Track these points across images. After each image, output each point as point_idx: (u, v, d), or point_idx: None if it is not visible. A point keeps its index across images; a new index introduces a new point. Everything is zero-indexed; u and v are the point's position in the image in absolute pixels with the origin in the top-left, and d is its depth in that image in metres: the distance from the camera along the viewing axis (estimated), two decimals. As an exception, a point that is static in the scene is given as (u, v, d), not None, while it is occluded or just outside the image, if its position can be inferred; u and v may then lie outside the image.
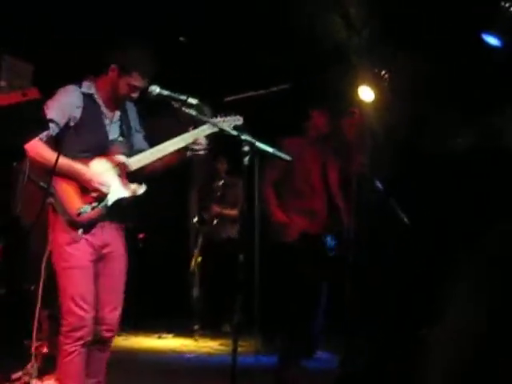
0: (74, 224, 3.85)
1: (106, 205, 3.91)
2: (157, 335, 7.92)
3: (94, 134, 4.00)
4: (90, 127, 3.98)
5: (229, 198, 8.38)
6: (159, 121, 4.53)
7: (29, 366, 4.67)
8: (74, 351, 3.86)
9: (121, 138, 4.12)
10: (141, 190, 4.06)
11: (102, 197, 3.91)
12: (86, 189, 3.89)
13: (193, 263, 8.08)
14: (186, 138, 3.98)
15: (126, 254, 4.15)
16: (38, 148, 3.78)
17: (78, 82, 4.04)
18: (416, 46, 6.54)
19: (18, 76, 6.32)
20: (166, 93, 3.45)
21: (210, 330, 8.09)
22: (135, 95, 4.00)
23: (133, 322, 7.93)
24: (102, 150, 4.01)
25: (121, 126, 4.15)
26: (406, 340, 4.37)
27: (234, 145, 3.47)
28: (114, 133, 4.11)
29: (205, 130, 3.97)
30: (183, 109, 3.40)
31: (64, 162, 3.81)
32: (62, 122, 3.88)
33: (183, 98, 3.41)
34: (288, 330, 5.52)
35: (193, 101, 3.40)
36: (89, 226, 3.90)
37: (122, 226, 4.14)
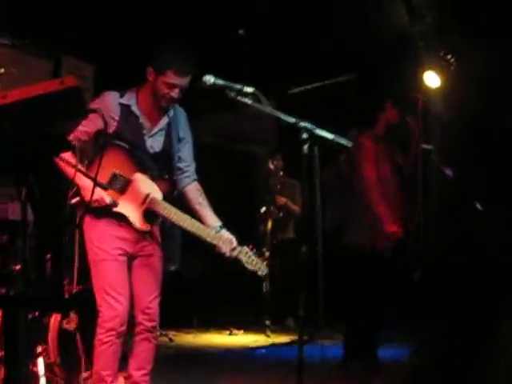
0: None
1: (111, 205, 3.94)
2: (228, 331, 7.89)
3: (132, 148, 4.03)
4: (127, 140, 4.02)
5: (286, 197, 8.27)
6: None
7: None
8: (107, 341, 3.97)
9: (161, 151, 4.13)
10: (146, 227, 4.06)
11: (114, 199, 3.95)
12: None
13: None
14: (215, 238, 4.09)
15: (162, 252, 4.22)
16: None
17: (122, 90, 4.08)
18: (485, 32, 6.36)
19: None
20: (220, 82, 3.36)
21: (281, 325, 8.02)
22: (175, 94, 3.98)
23: (203, 319, 7.97)
24: (141, 164, 4.06)
25: (166, 136, 4.15)
26: (477, 333, 4.22)
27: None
28: (155, 146, 4.12)
29: (245, 254, 4.16)
30: (239, 98, 3.31)
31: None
32: (106, 115, 3.77)
33: (239, 87, 3.32)
34: (355, 319, 5.44)
35: (248, 89, 3.30)
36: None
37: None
